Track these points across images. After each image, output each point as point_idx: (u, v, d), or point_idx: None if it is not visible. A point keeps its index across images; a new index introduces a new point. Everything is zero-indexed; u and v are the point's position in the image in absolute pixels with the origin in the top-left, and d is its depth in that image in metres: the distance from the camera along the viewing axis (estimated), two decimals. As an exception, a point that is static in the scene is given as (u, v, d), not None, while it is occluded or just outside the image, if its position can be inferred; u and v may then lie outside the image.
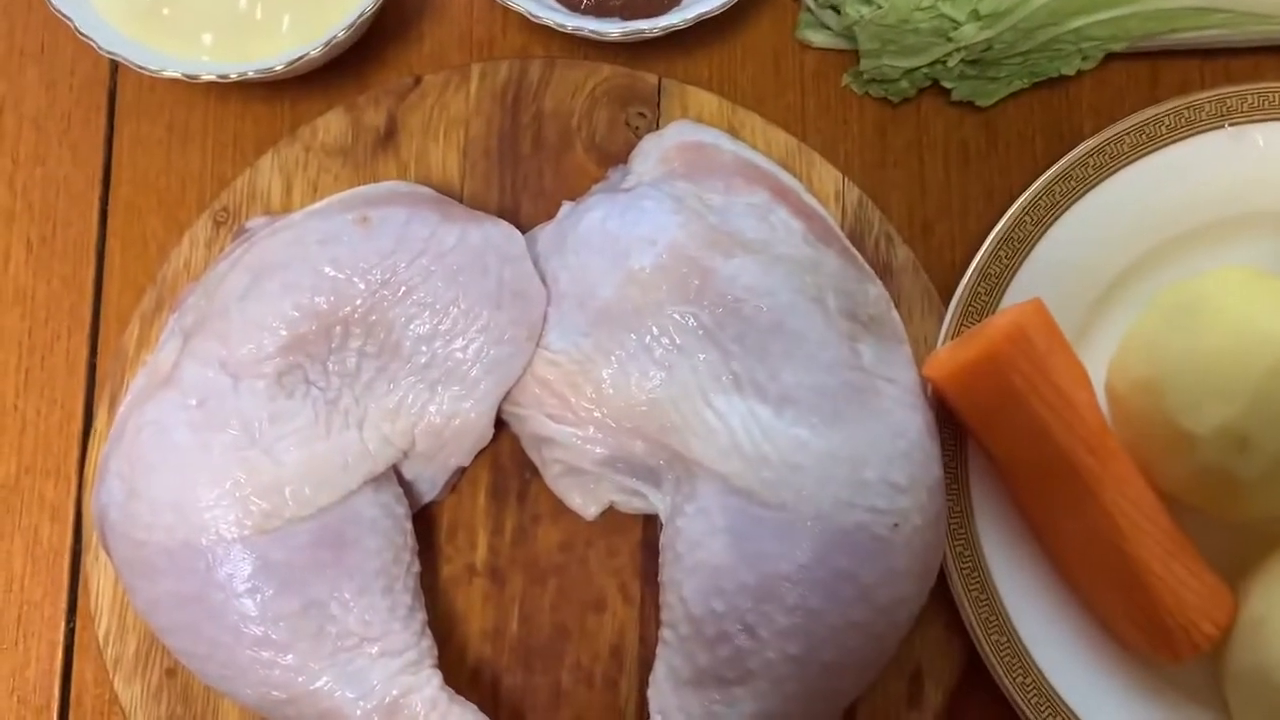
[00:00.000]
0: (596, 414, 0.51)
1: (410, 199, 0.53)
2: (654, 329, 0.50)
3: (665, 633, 0.49)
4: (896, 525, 0.47)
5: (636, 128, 0.59)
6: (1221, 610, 0.49)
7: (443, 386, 0.51)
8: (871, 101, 0.62)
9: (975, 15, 0.55)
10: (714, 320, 0.50)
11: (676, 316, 0.50)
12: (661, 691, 0.49)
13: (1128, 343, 0.52)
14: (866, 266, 0.55)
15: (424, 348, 0.51)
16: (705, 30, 0.61)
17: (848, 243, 0.55)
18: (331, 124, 0.59)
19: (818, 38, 0.60)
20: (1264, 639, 0.48)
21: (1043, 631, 0.52)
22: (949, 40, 0.55)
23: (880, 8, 0.56)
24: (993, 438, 0.51)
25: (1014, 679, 0.51)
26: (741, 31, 0.62)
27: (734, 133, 0.59)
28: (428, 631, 0.51)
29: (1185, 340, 0.49)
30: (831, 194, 0.58)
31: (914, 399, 0.51)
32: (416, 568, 0.51)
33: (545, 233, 0.55)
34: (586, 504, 0.54)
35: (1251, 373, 0.46)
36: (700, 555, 0.48)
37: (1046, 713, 0.51)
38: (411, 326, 0.51)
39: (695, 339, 0.50)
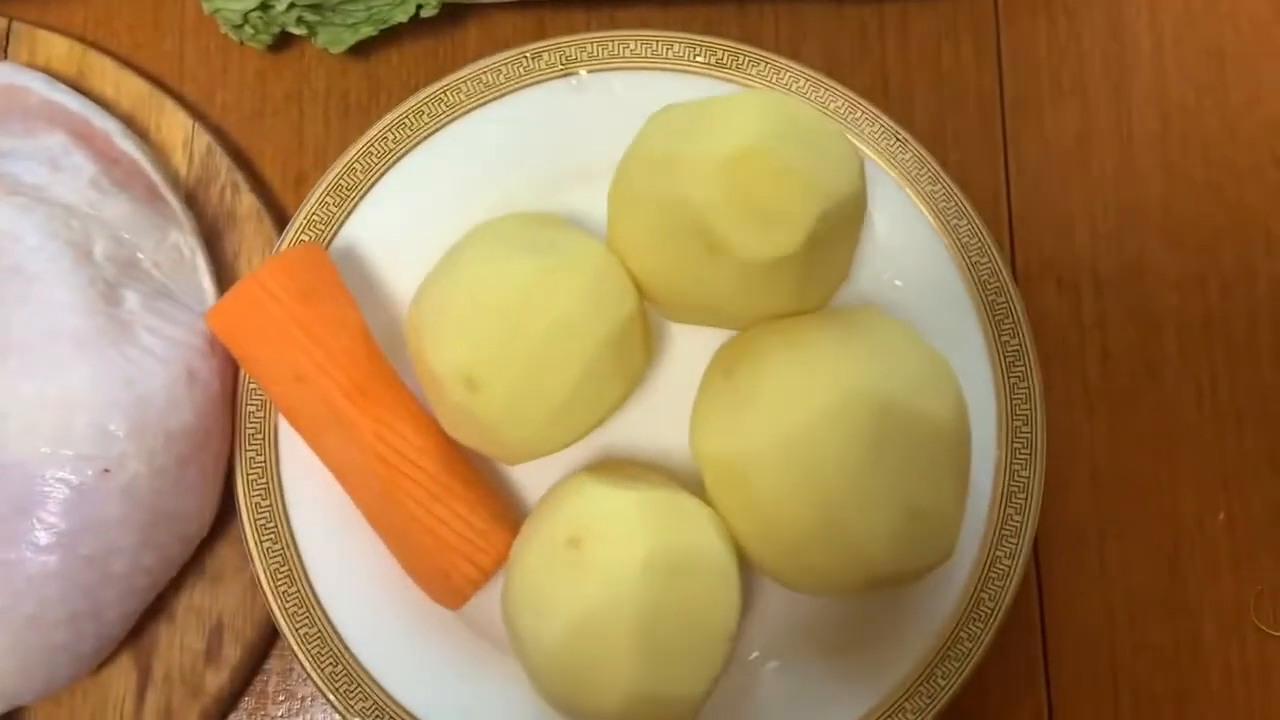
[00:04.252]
0: None
1: None
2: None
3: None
4: (107, 471, 0.45)
5: (-22, 71, 0.57)
6: (488, 552, 0.49)
7: None
8: (255, 51, 0.60)
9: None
10: (-41, 265, 0.47)
11: (-75, 262, 0.48)
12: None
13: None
14: (178, 212, 0.53)
15: None
16: (79, -25, 0.59)
17: (165, 189, 0.53)
18: None
19: (189, -17, 0.59)
20: (512, 578, 0.47)
21: (342, 582, 0.51)
22: (260, -18, 0.54)
23: (203, -52, 0.54)
24: (265, 383, 0.50)
25: (299, 629, 0.50)
26: (119, -23, 0.60)
27: (82, 76, 0.57)
28: None
29: (442, 285, 0.48)
30: (180, 141, 0.57)
31: (176, 348, 0.49)
32: None
33: None
34: None
35: (476, 316, 0.46)
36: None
37: (327, 664, 0.50)
38: None
39: (-58, 285, 0.47)
